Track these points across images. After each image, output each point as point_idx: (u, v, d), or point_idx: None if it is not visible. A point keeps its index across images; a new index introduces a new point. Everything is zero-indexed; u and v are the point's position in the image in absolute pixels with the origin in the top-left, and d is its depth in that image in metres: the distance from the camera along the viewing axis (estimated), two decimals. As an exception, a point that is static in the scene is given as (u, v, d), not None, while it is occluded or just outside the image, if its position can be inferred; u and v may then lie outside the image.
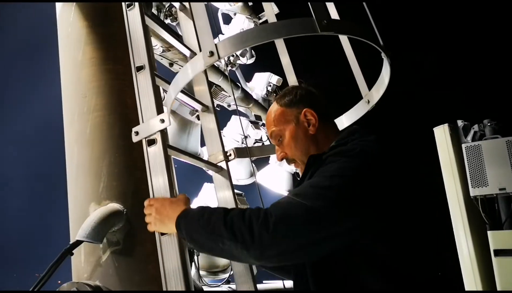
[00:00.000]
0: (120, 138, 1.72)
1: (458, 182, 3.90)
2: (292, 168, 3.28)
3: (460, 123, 4.06)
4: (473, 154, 3.85)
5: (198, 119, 2.69)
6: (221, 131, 2.00)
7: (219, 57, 1.21)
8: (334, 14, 1.90)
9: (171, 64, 2.91)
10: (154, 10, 2.79)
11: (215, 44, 1.22)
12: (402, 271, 1.11)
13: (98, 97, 1.78)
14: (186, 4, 2.29)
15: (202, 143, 2.88)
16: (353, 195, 1.07)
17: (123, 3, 1.71)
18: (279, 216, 1.04)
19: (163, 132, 1.48)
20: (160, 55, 2.82)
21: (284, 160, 1.48)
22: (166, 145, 1.46)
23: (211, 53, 1.21)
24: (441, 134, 4.01)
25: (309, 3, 1.25)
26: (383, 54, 1.41)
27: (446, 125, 4.05)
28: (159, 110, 1.50)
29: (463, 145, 3.93)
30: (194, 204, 2.66)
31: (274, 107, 1.48)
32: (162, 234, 1.31)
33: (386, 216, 1.10)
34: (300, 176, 1.40)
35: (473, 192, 3.83)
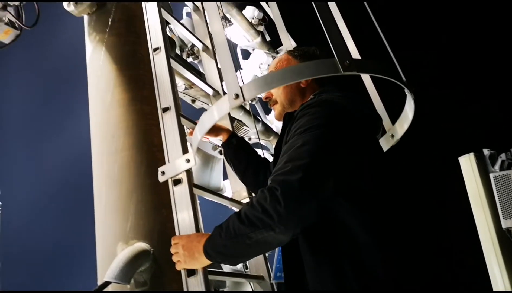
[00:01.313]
0: (147, 177, 1.75)
1: (488, 213, 3.76)
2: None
3: (486, 152, 3.95)
4: (503, 183, 3.72)
5: (221, 154, 2.72)
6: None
7: (244, 100, 1.23)
8: (337, 17, 1.90)
9: (193, 101, 2.99)
10: (177, 50, 2.90)
11: (240, 87, 1.25)
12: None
13: (126, 137, 1.84)
14: (209, 44, 2.38)
15: (224, 177, 2.91)
16: (324, 148, 1.16)
17: (149, 48, 1.79)
18: (283, 186, 1.08)
19: (189, 172, 1.50)
20: (182, 93, 2.91)
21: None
22: (191, 185, 1.49)
23: (237, 96, 1.24)
24: (467, 164, 3.91)
25: (330, 43, 1.28)
26: (406, 91, 1.42)
27: (471, 155, 3.95)
28: (185, 149, 1.53)
29: (491, 175, 3.81)
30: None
31: (283, 54, 1.64)
32: (189, 275, 1.30)
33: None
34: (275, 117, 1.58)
35: (504, 223, 3.67)
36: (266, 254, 1.79)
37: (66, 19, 2.32)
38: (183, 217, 1.45)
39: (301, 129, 1.20)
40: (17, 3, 1.54)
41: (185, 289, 1.30)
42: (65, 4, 2.15)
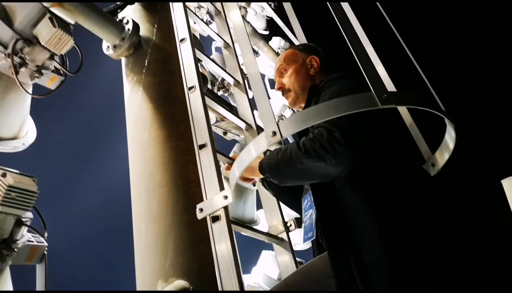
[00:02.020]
0: (184, 213, 1.77)
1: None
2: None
3: (531, 173, 3.74)
4: (552, 206, 3.48)
5: (254, 185, 2.73)
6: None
7: (281, 137, 1.24)
8: (365, 42, 1.92)
9: (225, 133, 3.04)
10: (208, 85, 2.99)
11: (277, 124, 1.26)
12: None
13: (163, 173, 1.88)
14: (240, 78, 2.43)
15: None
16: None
17: (184, 86, 1.85)
18: (340, 128, 1.30)
19: (227, 209, 1.51)
20: (214, 125, 2.96)
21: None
22: (230, 222, 1.48)
23: (274, 133, 1.25)
24: (510, 187, 3.71)
25: (366, 78, 1.28)
26: (446, 120, 1.38)
27: (515, 177, 3.74)
28: (222, 186, 1.54)
29: (538, 198, 3.58)
30: (254, 272, 2.62)
31: (288, 50, 1.87)
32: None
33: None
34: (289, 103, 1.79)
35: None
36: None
37: (104, 61, 2.46)
38: (222, 252, 1.44)
39: (334, 94, 1.44)
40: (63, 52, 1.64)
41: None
42: (104, 48, 2.28)
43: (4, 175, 1.30)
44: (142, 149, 2.01)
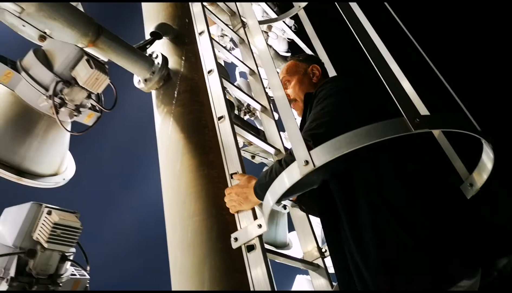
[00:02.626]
0: (219, 241, 1.79)
1: None
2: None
3: None
4: None
5: (285, 208, 2.72)
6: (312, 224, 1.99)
7: (314, 166, 1.24)
8: (389, 59, 1.92)
9: (253, 157, 3.06)
10: (235, 111, 3.04)
11: (309, 153, 1.26)
12: None
13: (197, 202, 1.91)
14: (266, 104, 2.46)
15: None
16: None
17: (214, 116, 1.89)
18: (313, 138, 1.33)
19: (261, 237, 1.51)
20: (242, 150, 3.00)
21: None
22: (265, 250, 1.48)
23: (306, 162, 1.26)
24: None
25: (397, 102, 1.27)
26: (483, 140, 1.35)
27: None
28: (255, 214, 1.55)
29: None
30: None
31: (289, 62, 1.94)
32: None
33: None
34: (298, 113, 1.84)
35: None
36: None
37: (133, 91, 2.55)
38: (259, 281, 1.44)
39: (321, 99, 1.48)
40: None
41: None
42: (135, 83, 2.38)
43: (49, 213, 1.36)
44: (174, 178, 2.06)
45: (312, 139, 1.32)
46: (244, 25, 2.74)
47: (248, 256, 1.50)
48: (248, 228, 1.53)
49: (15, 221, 1.38)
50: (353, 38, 1.52)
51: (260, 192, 1.46)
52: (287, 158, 1.38)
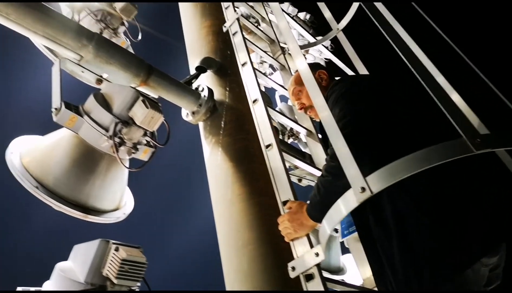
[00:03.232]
0: (275, 269, 1.79)
1: None
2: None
3: None
4: None
5: (336, 232, 2.67)
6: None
7: (371, 193, 1.23)
8: (435, 72, 1.86)
9: (299, 180, 3.06)
10: (279, 135, 3.07)
11: (365, 180, 1.25)
12: None
13: (250, 231, 1.93)
14: (311, 127, 2.47)
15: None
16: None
17: (261, 145, 1.92)
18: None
19: (319, 266, 1.49)
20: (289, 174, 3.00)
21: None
22: (324, 280, 1.46)
23: (363, 189, 1.24)
24: None
25: (452, 120, 1.24)
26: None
27: None
28: (311, 242, 1.54)
29: None
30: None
31: (295, 73, 1.99)
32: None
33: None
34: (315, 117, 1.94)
35: None
36: None
37: (182, 125, 2.66)
38: (319, 310, 1.42)
39: (333, 104, 1.55)
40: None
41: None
42: (183, 116, 2.49)
43: (117, 249, 1.44)
44: (226, 207, 2.10)
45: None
46: (283, 51, 2.79)
47: (307, 286, 1.49)
48: (305, 257, 1.52)
49: (85, 258, 1.47)
50: (395, 54, 1.52)
51: (314, 213, 1.48)
52: (328, 167, 1.42)
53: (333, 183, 1.40)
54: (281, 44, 2.89)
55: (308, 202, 1.54)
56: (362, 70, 2.96)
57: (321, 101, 1.56)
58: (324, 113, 1.51)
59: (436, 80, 1.44)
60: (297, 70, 2.05)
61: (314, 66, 1.99)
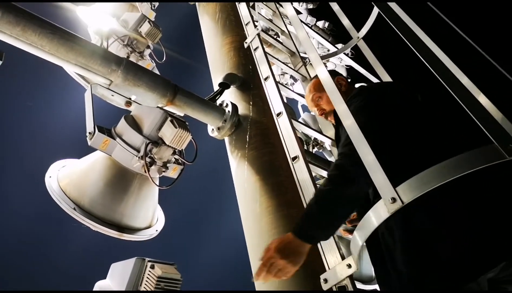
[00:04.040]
0: (307, 282, 1.79)
1: None
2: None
3: None
4: None
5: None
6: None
7: (402, 203, 1.22)
8: (459, 74, 1.82)
9: (326, 189, 3.04)
10: (304, 146, 3.08)
11: (396, 191, 1.24)
12: None
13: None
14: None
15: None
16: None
17: (288, 157, 1.94)
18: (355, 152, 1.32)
19: (352, 278, 1.49)
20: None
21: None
22: (358, 291, 1.46)
23: (393, 200, 1.24)
24: None
25: (481, 126, 1.22)
26: None
27: None
28: (342, 253, 1.54)
29: None
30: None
31: (313, 80, 2.00)
32: None
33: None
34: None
35: None
36: None
37: (208, 141, 2.71)
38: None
39: (359, 108, 1.49)
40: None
41: None
42: (209, 132, 2.54)
43: (152, 267, 1.48)
44: (255, 220, 2.11)
45: (353, 152, 1.34)
46: (304, 62, 2.81)
47: (341, 298, 1.48)
48: (337, 269, 1.51)
49: (123, 276, 1.52)
50: (416, 59, 1.51)
51: (316, 229, 1.35)
52: (332, 175, 1.38)
53: (335, 191, 1.35)
54: (302, 55, 2.92)
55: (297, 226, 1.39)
56: (384, 75, 2.94)
57: (344, 109, 1.56)
58: (349, 121, 1.51)
59: (461, 82, 1.43)
60: (313, 78, 2.06)
61: (332, 73, 1.98)
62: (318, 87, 1.99)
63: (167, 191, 2.06)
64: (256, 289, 1.97)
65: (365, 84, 2.27)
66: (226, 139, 2.52)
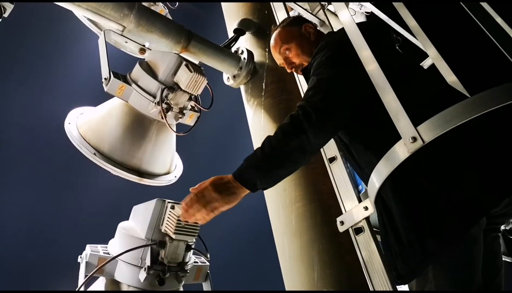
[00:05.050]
0: (323, 225, 1.82)
1: None
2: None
3: None
4: None
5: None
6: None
7: (423, 142, 1.19)
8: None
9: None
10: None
11: (417, 129, 1.21)
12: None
13: (297, 189, 1.96)
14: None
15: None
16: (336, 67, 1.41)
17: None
18: (310, 103, 1.30)
19: (368, 219, 1.50)
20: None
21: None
22: (374, 232, 1.47)
23: (414, 139, 1.21)
24: None
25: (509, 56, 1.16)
26: None
27: None
28: (359, 197, 1.54)
29: None
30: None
31: (277, 31, 1.75)
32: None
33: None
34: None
35: None
36: None
37: (224, 90, 2.68)
38: (372, 264, 1.44)
39: (314, 72, 1.41)
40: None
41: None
42: (225, 80, 2.50)
43: (173, 207, 1.52)
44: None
45: (308, 103, 1.30)
46: (323, 7, 2.68)
47: (357, 239, 1.50)
48: (353, 211, 1.52)
49: (144, 217, 1.57)
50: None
51: (255, 175, 1.24)
52: (282, 125, 1.31)
53: (281, 141, 1.27)
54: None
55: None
56: (408, 18, 2.78)
57: (368, 54, 1.48)
58: (372, 66, 1.45)
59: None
60: (277, 27, 1.79)
61: (298, 20, 1.82)
62: (284, 38, 1.71)
63: (185, 139, 2.07)
64: (273, 231, 2.03)
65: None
66: (242, 87, 2.49)
